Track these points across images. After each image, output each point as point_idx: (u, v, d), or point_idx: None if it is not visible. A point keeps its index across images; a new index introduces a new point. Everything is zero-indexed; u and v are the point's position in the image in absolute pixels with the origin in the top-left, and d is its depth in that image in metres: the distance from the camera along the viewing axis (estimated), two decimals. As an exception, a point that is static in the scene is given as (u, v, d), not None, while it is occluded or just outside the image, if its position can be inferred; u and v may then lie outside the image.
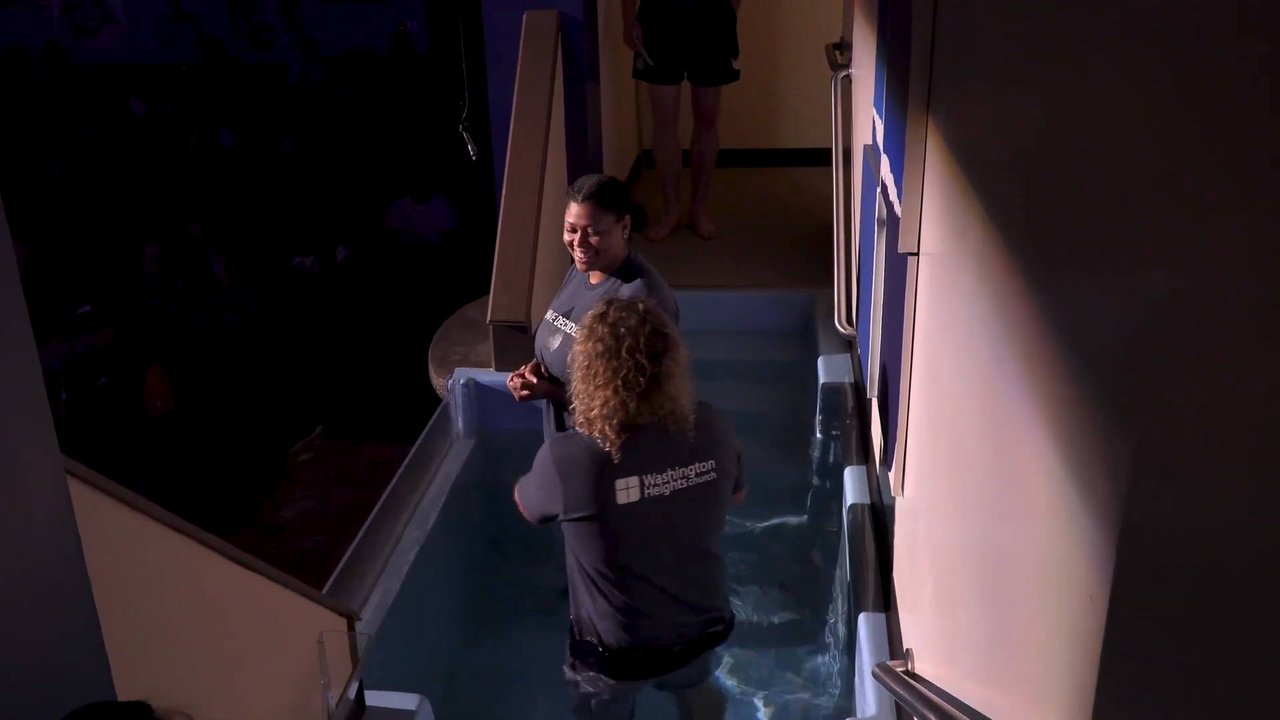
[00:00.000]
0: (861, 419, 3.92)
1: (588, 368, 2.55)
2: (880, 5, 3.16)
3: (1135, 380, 1.08)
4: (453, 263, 7.03)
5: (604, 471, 2.56)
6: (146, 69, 9.72)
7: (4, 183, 7.50)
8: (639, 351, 2.51)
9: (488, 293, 4.37)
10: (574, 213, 3.18)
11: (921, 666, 2.37)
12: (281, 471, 5.78)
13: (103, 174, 8.12)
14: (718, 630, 2.81)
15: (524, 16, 4.85)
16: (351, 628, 2.69)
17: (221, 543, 2.05)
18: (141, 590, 1.83)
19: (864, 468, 3.63)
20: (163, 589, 1.91)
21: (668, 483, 2.61)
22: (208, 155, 8.32)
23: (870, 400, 3.30)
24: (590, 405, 2.55)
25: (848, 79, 4.46)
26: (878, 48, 3.22)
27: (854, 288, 4.01)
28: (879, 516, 3.31)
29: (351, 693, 2.68)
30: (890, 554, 3.02)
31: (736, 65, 5.60)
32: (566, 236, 3.24)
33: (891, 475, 2.77)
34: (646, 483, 2.59)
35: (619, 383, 2.51)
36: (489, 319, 4.30)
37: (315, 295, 6.90)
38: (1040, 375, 1.38)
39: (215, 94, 8.96)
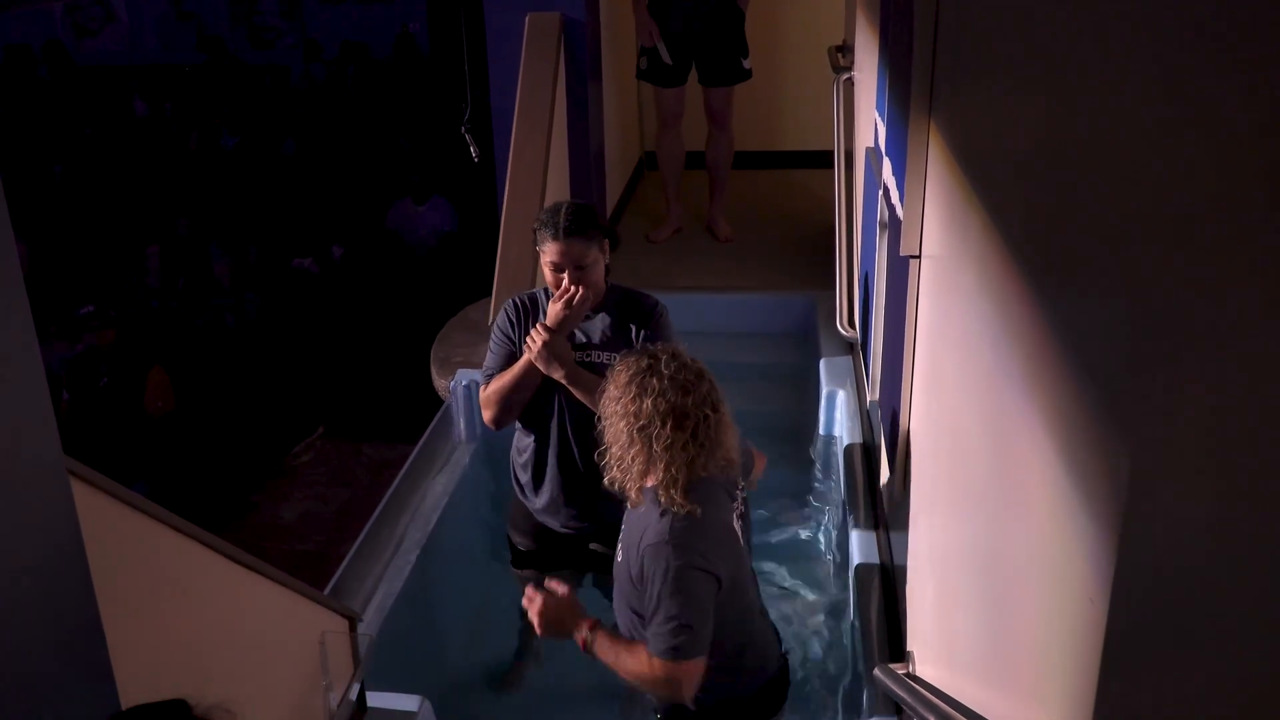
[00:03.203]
0: (864, 422, 3.93)
1: (641, 428, 2.26)
2: (882, 8, 3.16)
3: (1136, 383, 1.08)
4: (454, 264, 7.04)
5: (723, 516, 2.37)
6: (148, 69, 9.72)
7: (6, 182, 7.50)
8: (705, 404, 2.28)
9: (489, 294, 4.37)
10: (556, 251, 2.84)
11: (923, 669, 2.37)
12: (282, 472, 5.78)
13: (104, 174, 8.13)
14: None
15: (526, 18, 4.85)
16: (353, 628, 2.69)
17: (223, 543, 2.05)
18: (143, 590, 1.83)
19: (864, 477, 3.63)
20: (164, 589, 1.91)
21: (735, 512, 2.48)
22: (209, 156, 8.33)
23: (873, 404, 3.30)
24: (650, 468, 2.27)
25: (850, 82, 4.46)
26: (880, 51, 3.22)
27: (856, 290, 4.02)
28: (881, 517, 3.31)
29: (353, 694, 2.68)
30: (892, 557, 3.02)
31: (748, 65, 5.59)
32: (550, 276, 2.90)
33: (894, 478, 2.77)
34: (735, 515, 2.46)
35: (681, 441, 2.25)
36: (491, 320, 4.30)
37: (316, 296, 6.91)
38: (1041, 377, 1.39)
39: (217, 94, 8.97)
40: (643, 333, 2.95)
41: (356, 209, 7.60)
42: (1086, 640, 1.18)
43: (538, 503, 3.12)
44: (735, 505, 2.48)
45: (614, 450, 2.33)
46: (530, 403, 2.98)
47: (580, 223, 2.87)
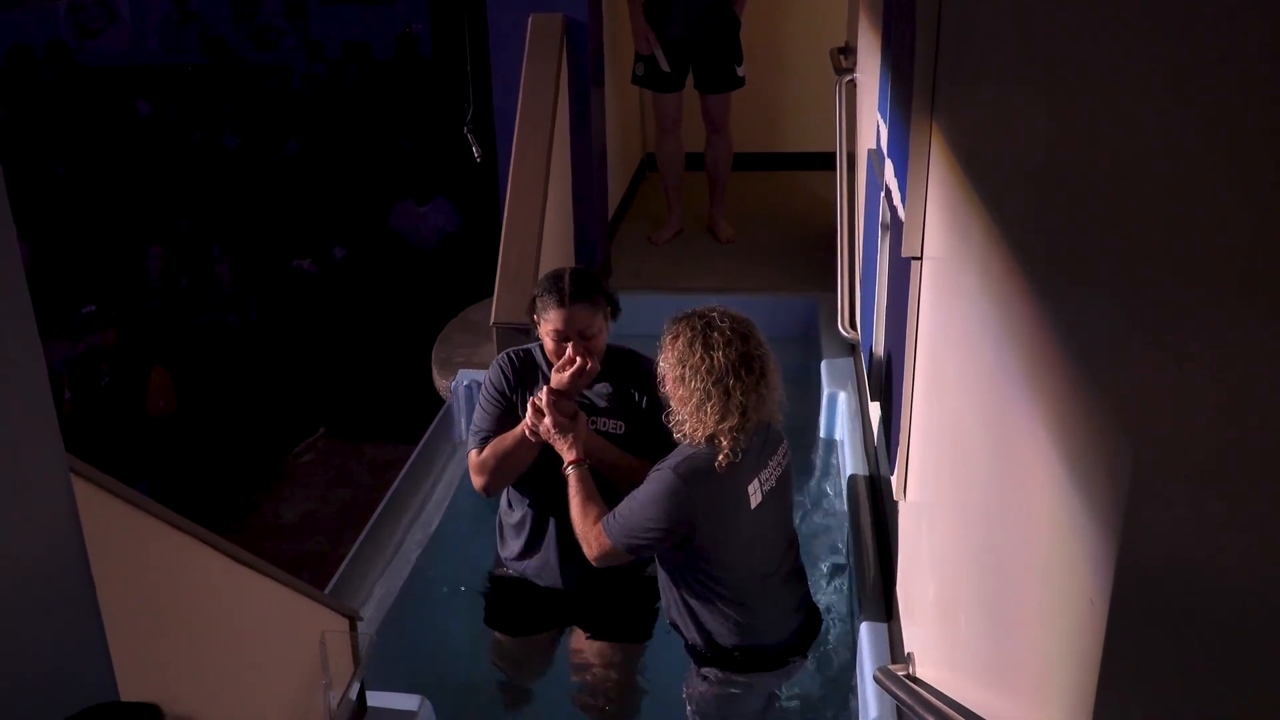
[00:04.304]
0: (865, 424, 3.92)
1: (718, 380, 2.40)
2: (884, 9, 3.17)
3: (1137, 384, 1.08)
4: (455, 265, 7.04)
5: (737, 479, 2.52)
6: (151, 69, 9.73)
7: (8, 182, 7.50)
8: (761, 346, 2.47)
9: (491, 295, 4.37)
10: (561, 319, 2.70)
11: (923, 670, 2.37)
12: (283, 472, 5.78)
13: (107, 174, 8.13)
14: (814, 619, 2.88)
15: (529, 19, 4.85)
16: (353, 628, 2.69)
17: (224, 542, 2.05)
18: (144, 589, 1.83)
19: (868, 476, 3.63)
20: (166, 588, 1.91)
21: (770, 477, 2.61)
22: (211, 156, 8.33)
23: (875, 405, 3.30)
24: (725, 415, 2.41)
25: (852, 83, 4.46)
26: (882, 52, 3.22)
27: (857, 292, 4.02)
28: (882, 519, 3.31)
29: (353, 693, 2.68)
30: (893, 559, 3.02)
31: (741, 72, 5.58)
32: (551, 346, 2.74)
33: (894, 480, 2.77)
34: (762, 480, 2.59)
35: (753, 384, 2.43)
36: (492, 321, 4.30)
37: (318, 296, 6.91)
38: (1043, 379, 1.39)
39: (219, 95, 8.97)
40: (645, 399, 2.84)
41: (359, 209, 7.60)
42: (1087, 641, 1.18)
43: (528, 567, 3.02)
44: (777, 460, 2.63)
45: (687, 409, 2.45)
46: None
47: (585, 289, 2.73)
